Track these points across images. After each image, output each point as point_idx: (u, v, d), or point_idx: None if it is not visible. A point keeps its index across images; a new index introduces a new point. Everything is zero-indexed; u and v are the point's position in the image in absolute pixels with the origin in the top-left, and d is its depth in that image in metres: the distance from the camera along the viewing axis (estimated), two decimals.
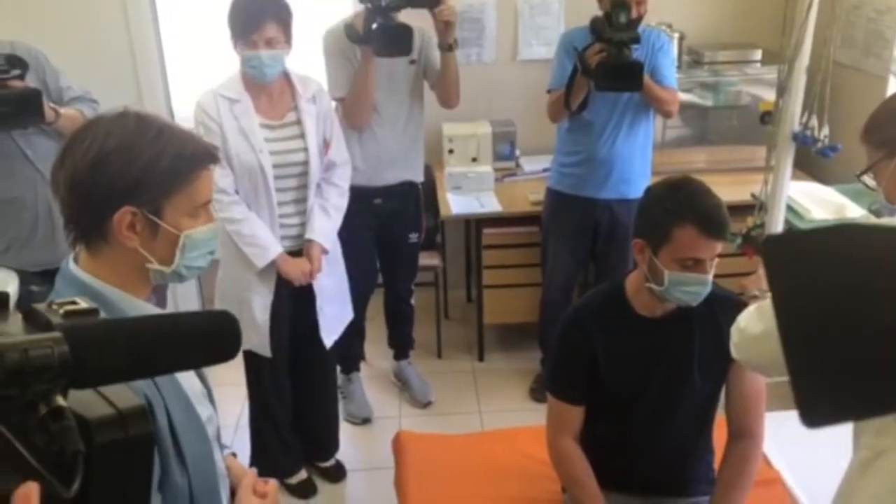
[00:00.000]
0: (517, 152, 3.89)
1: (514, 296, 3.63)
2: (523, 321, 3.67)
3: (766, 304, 1.49)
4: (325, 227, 2.60)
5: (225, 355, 0.63)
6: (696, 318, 1.89)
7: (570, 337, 1.95)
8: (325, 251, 2.61)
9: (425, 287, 3.62)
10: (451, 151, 3.76)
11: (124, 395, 0.57)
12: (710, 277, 1.79)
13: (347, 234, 2.86)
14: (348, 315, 2.88)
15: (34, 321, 0.57)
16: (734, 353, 1.52)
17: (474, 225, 3.66)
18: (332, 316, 2.75)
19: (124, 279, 1.23)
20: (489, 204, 3.52)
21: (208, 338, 0.62)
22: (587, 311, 1.95)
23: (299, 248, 2.60)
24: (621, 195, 3.09)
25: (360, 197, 3.03)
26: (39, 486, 0.52)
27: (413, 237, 3.27)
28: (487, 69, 3.89)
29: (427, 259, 3.54)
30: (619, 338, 1.91)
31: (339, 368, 3.28)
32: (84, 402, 0.56)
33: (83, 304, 0.58)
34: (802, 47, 2.32)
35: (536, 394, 3.45)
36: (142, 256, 1.23)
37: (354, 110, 2.95)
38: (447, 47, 2.93)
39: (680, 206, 1.74)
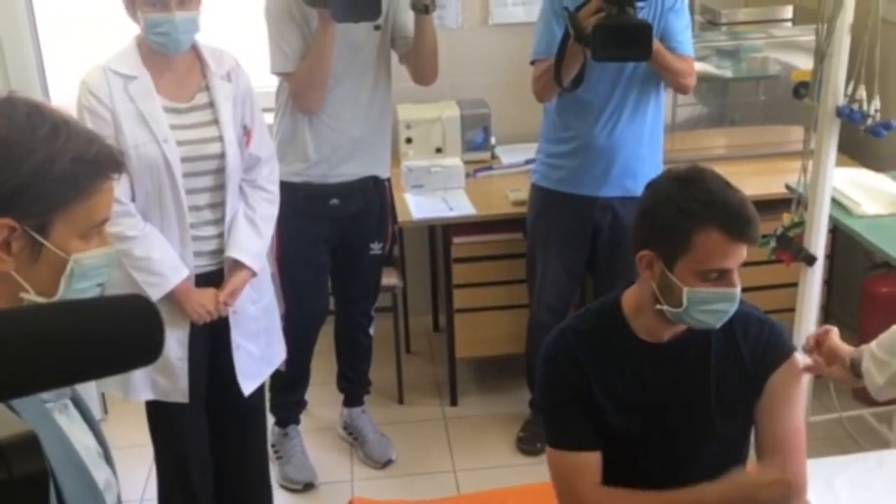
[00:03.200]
0: (493, 140, 3.91)
1: (493, 322, 3.64)
2: (506, 353, 3.68)
3: None
4: (255, 245, 2.58)
5: (146, 354, 0.61)
6: (711, 341, 1.91)
7: (557, 365, 1.95)
8: (253, 275, 2.59)
9: (380, 314, 3.61)
10: (408, 140, 3.76)
11: (3, 420, 0.54)
12: (738, 291, 1.81)
13: (295, 247, 2.80)
14: (278, 355, 2.85)
15: None
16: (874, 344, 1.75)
17: (441, 233, 3.66)
18: (253, 355, 2.70)
19: None
20: (459, 206, 3.53)
21: (123, 330, 0.60)
22: (575, 334, 1.96)
23: (218, 269, 2.58)
24: (626, 192, 3.11)
25: (311, 198, 3.03)
26: None
27: (376, 248, 3.28)
28: (452, 36, 3.91)
29: (382, 278, 3.53)
30: (618, 369, 1.92)
31: (273, 420, 3.25)
32: None
33: None
34: (845, 1, 2.37)
35: (525, 444, 3.46)
36: (15, 284, 1.22)
37: (307, 89, 2.95)
38: (423, 8, 2.95)
39: (699, 204, 1.76)
